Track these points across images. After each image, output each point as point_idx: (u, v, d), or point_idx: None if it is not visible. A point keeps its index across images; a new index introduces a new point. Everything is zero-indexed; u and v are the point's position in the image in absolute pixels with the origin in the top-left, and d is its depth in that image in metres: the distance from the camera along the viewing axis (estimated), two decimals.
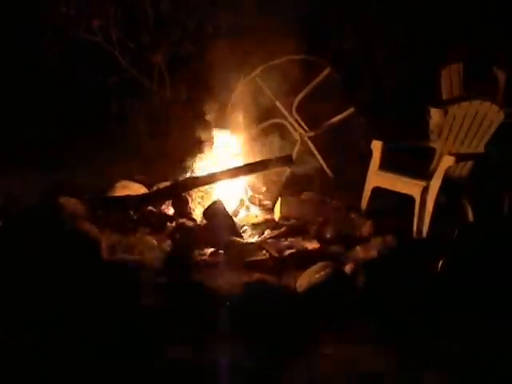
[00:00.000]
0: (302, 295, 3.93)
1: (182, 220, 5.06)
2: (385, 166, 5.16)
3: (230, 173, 5.30)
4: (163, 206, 5.30)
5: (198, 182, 5.29)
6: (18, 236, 4.21)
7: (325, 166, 6.17)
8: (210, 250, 4.64)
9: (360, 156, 5.65)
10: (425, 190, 4.79)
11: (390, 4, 6.56)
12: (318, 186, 5.80)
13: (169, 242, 4.70)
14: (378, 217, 5.03)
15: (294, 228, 5.02)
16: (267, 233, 5.00)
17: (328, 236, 4.88)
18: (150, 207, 5.18)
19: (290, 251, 4.66)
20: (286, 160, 5.65)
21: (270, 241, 4.85)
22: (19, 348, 3.23)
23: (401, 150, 5.42)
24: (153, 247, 4.58)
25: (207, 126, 5.89)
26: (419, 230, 4.82)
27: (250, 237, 4.99)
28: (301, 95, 6.28)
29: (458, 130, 5.12)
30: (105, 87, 6.98)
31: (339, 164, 6.16)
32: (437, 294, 3.87)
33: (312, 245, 4.77)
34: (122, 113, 6.96)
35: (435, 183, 4.75)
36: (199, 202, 5.31)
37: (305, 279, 4.03)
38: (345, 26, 6.78)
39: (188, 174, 5.56)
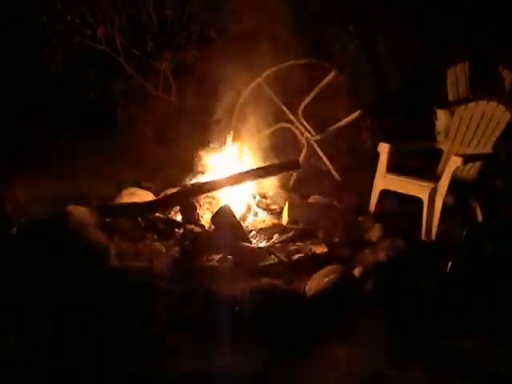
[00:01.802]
0: (311, 299, 3.92)
1: (190, 226, 5.05)
2: (392, 168, 5.15)
3: (237, 178, 5.29)
4: (171, 213, 5.30)
5: (205, 187, 5.27)
6: (27, 244, 4.23)
7: (332, 170, 6.17)
8: (218, 256, 4.62)
9: (367, 159, 5.64)
10: (433, 192, 4.77)
11: (393, 5, 6.55)
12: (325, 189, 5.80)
13: (177, 248, 4.70)
14: (386, 219, 5.01)
15: (302, 232, 5.02)
16: (275, 237, 4.99)
17: (336, 240, 4.88)
18: (157, 214, 5.18)
19: (299, 255, 4.66)
20: (293, 165, 5.64)
21: (278, 245, 4.85)
22: (27, 353, 3.23)
23: (408, 152, 5.41)
24: (161, 254, 4.59)
25: (214, 132, 5.89)
26: (428, 232, 4.80)
27: (258, 242, 4.98)
28: (307, 99, 6.29)
29: (465, 130, 5.13)
30: (110, 94, 7.01)
31: (346, 167, 6.17)
32: (446, 296, 3.86)
33: (320, 249, 4.76)
34: (128, 119, 6.97)
35: (443, 184, 4.74)
36: (207, 208, 5.30)
37: (314, 283, 4.02)
38: (348, 28, 6.76)
39: (195, 180, 5.55)
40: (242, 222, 5.13)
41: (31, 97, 6.82)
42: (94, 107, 7.02)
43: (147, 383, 3.11)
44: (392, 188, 5.08)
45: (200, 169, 5.64)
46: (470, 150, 5.06)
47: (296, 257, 4.64)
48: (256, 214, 5.41)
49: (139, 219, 5.02)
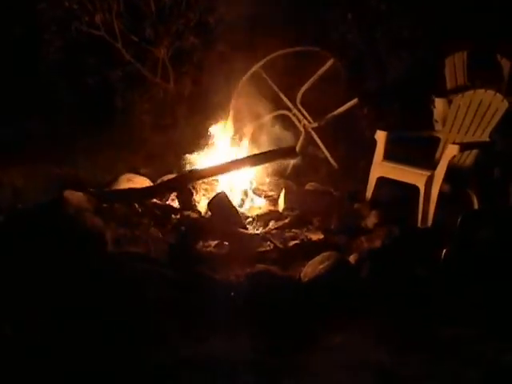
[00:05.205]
0: (306, 285, 3.93)
1: (186, 212, 5.06)
2: (389, 156, 5.15)
3: (234, 165, 5.29)
4: (168, 199, 5.30)
5: (202, 174, 5.27)
6: (23, 229, 4.23)
7: (329, 157, 6.18)
8: (214, 242, 4.63)
9: (364, 146, 5.65)
10: (429, 180, 4.77)
11: None
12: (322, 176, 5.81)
13: (173, 234, 4.70)
14: (382, 207, 5.02)
15: (298, 219, 5.01)
16: (271, 224, 4.98)
17: (332, 226, 4.88)
18: (154, 200, 5.18)
19: (295, 242, 4.67)
20: (290, 152, 5.64)
21: (274, 232, 4.84)
22: (22, 342, 3.24)
23: (405, 140, 5.41)
24: (158, 239, 4.59)
25: (211, 118, 5.89)
26: (424, 220, 4.81)
27: (254, 228, 4.97)
28: (305, 87, 6.29)
29: (463, 119, 5.12)
30: (108, 81, 6.99)
31: (343, 155, 6.18)
32: (440, 284, 3.87)
33: (316, 235, 4.77)
34: (126, 106, 6.97)
35: (440, 172, 4.74)
36: (204, 194, 5.31)
37: (309, 270, 4.04)
38: (347, 16, 6.75)
39: (192, 167, 5.55)
40: (238, 209, 5.13)
41: (29, 84, 6.80)
42: (91, 94, 7.00)
43: (147, 369, 3.12)
44: (389, 175, 5.09)
45: (197, 155, 5.63)
46: (467, 139, 5.06)
47: (292, 243, 4.65)
48: (252, 201, 5.41)
49: (136, 205, 5.02)
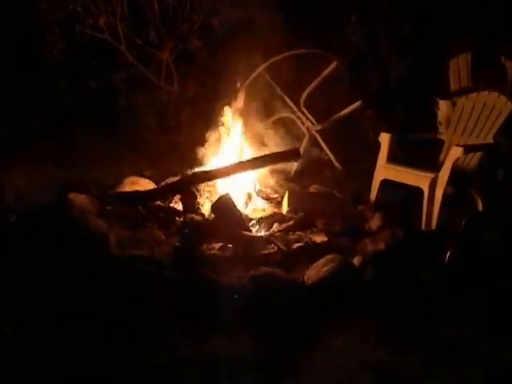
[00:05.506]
0: (310, 288, 3.92)
1: (190, 215, 5.06)
2: (393, 158, 5.14)
3: (237, 167, 5.29)
4: (172, 201, 5.30)
5: (206, 176, 5.27)
6: (27, 231, 4.23)
7: (333, 159, 6.18)
8: (218, 244, 4.63)
9: (368, 148, 5.65)
10: (433, 182, 4.76)
11: None
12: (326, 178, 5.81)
13: (177, 236, 4.70)
14: (386, 209, 5.01)
15: (302, 221, 5.00)
16: (275, 226, 4.98)
17: (336, 229, 4.87)
18: (158, 202, 5.18)
19: (299, 244, 4.66)
20: (294, 154, 5.63)
21: (278, 234, 4.83)
22: (22, 342, 3.24)
23: (409, 142, 5.41)
24: (161, 242, 4.59)
25: (215, 121, 5.89)
26: (428, 222, 4.80)
27: (258, 230, 4.97)
28: (308, 89, 6.30)
29: (467, 121, 5.11)
30: (112, 83, 7.01)
31: (347, 157, 6.17)
32: (445, 286, 3.86)
33: (320, 238, 4.76)
34: (130, 109, 6.98)
35: (444, 175, 4.73)
36: (207, 197, 5.30)
37: (313, 272, 4.03)
38: (350, 18, 6.75)
39: (196, 169, 5.55)
40: (242, 211, 5.12)
41: (32, 85, 6.82)
42: (95, 96, 7.02)
43: (147, 369, 3.11)
44: (393, 178, 5.08)
45: (200, 157, 5.63)
46: (471, 141, 5.05)
47: (296, 246, 4.64)
48: (256, 203, 5.41)
49: (140, 208, 5.02)
